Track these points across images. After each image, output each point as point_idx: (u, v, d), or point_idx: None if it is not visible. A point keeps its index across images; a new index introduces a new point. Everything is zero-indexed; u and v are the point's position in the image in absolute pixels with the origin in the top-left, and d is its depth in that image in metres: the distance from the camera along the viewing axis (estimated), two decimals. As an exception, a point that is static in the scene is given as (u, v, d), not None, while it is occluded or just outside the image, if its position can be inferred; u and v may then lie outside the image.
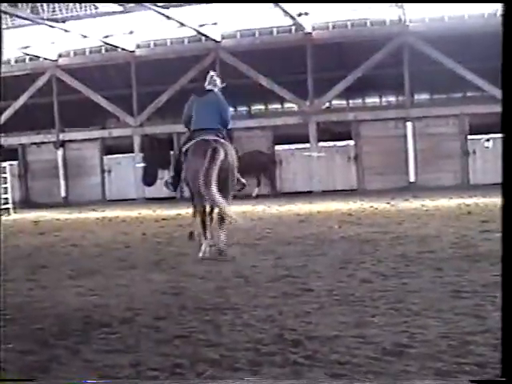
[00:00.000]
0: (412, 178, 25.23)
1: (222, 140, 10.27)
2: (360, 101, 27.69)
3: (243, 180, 11.13)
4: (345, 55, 25.97)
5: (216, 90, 10.94)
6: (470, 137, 25.13)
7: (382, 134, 24.94)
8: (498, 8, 24.04)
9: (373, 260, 9.32)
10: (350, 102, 27.67)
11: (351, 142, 25.32)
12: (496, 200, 18.37)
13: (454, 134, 25.21)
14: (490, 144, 24.19)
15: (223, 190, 9.72)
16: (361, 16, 25.58)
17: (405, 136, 25.13)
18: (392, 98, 27.53)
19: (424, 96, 27.32)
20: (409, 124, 25.31)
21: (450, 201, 18.98)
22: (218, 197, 9.48)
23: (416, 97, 26.90)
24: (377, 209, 17.85)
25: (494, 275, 7.91)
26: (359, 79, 25.54)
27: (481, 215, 14.80)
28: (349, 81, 25.65)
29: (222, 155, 9.76)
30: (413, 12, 24.73)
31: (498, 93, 24.72)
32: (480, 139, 24.86)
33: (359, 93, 27.29)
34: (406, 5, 23.61)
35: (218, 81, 11.10)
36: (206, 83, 11.00)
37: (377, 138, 25.28)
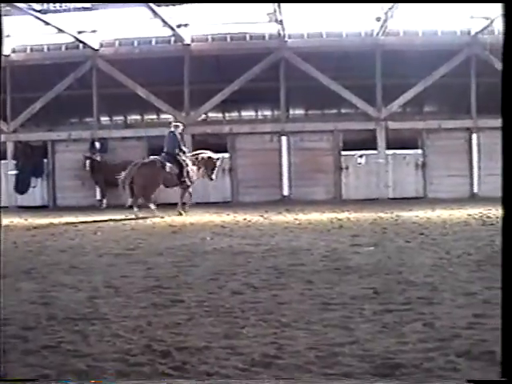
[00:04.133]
0: (286, 192, 25.51)
1: None
2: (236, 114, 27.82)
3: None
4: (223, 68, 26.06)
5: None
6: (343, 152, 25.60)
7: (258, 148, 25.11)
8: (374, 28, 24.66)
9: (244, 272, 9.36)
10: (227, 114, 27.78)
11: (226, 155, 25.39)
12: (367, 215, 18.80)
13: (328, 149, 25.64)
14: (363, 160, 24.76)
15: None
16: (241, 30, 25.74)
17: (280, 150, 25.38)
18: (268, 112, 27.79)
19: (300, 111, 27.70)
20: (284, 138, 25.59)
21: (322, 215, 19.23)
22: None
23: (292, 111, 27.24)
24: (250, 221, 17.92)
25: (363, 288, 8.09)
26: (236, 92, 25.67)
27: (352, 229, 15.09)
28: (225, 93, 25.74)
29: None
30: (292, 28, 25.04)
31: (371, 110, 25.37)
32: (353, 155, 25.36)
33: (236, 106, 27.44)
34: (285, 20, 23.87)
35: None
36: None
37: (252, 151, 25.43)
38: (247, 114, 27.50)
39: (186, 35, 25.50)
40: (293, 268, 9.64)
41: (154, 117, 27.92)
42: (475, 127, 25.46)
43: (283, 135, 25.62)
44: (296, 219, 18.10)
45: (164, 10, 22.53)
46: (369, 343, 5.72)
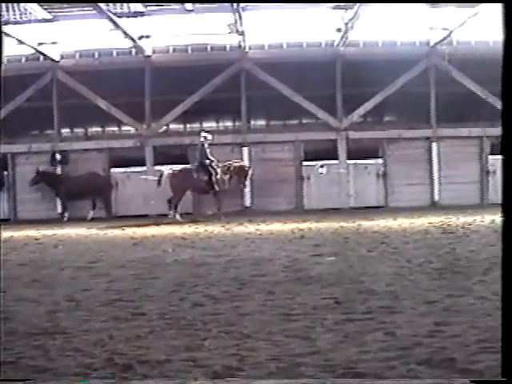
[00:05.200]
0: (248, 203, 25.52)
1: None
2: (198, 125, 27.75)
3: None
4: (184, 79, 25.99)
5: None
6: (304, 163, 25.68)
7: (219, 159, 25.12)
8: (334, 39, 24.81)
9: (206, 283, 9.33)
10: (188, 126, 27.70)
11: (188, 166, 25.34)
12: (328, 224, 18.87)
13: (289, 159, 25.71)
14: (324, 170, 24.84)
15: None
16: (202, 41, 25.74)
17: (241, 161, 25.38)
18: (229, 123, 27.78)
19: (261, 122, 27.72)
20: (245, 149, 25.62)
21: (284, 225, 19.26)
22: None
23: (253, 122, 27.24)
24: (212, 232, 17.89)
25: (325, 298, 8.10)
26: (197, 103, 25.67)
27: (313, 239, 15.12)
28: (187, 105, 25.72)
29: None
30: (252, 39, 25.11)
31: (332, 120, 25.50)
32: (314, 165, 25.44)
33: (197, 117, 27.38)
34: (246, 31, 23.93)
35: None
36: None
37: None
38: (208, 125, 27.43)
39: (147, 47, 25.47)
40: (254, 279, 9.63)
41: (116, 129, 27.76)
42: (435, 136, 25.70)
43: (245, 146, 25.65)
44: (258, 230, 18.10)
45: (125, 22, 22.50)
46: (330, 353, 5.72)
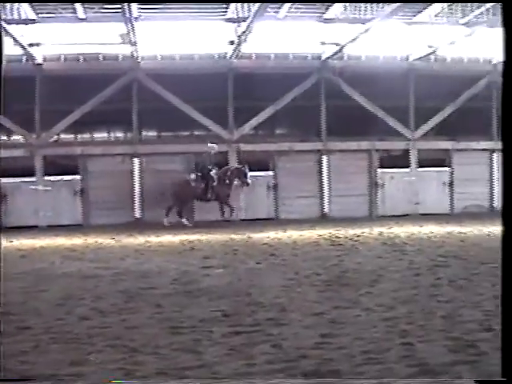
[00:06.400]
0: (138, 214, 25.30)
1: None
2: (88, 135, 27.35)
3: None
4: (75, 88, 25.59)
5: None
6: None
7: (110, 169, 24.78)
8: (227, 51, 24.91)
9: (93, 296, 9.25)
10: (79, 136, 27.27)
11: (78, 177, 24.97)
12: (218, 236, 18.91)
13: (180, 171, 25.59)
14: (215, 182, 24.65)
15: None
16: (94, 50, 25.42)
17: (132, 172, 25.17)
18: (121, 134, 27.48)
19: (152, 133, 27.52)
20: (136, 160, 25.42)
21: (174, 237, 19.17)
22: None
23: (144, 133, 27.02)
24: (101, 244, 17.69)
25: (213, 310, 8.13)
26: (88, 113, 25.30)
27: (203, 251, 15.14)
28: (77, 114, 25.33)
29: None
30: (145, 49, 24.96)
31: (223, 132, 25.58)
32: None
33: (88, 127, 26.98)
34: (139, 42, 23.76)
35: None
36: None
37: (104, 173, 25.08)
38: (100, 135, 27.09)
39: (38, 54, 25.01)
40: (143, 291, 9.60)
41: (5, 138, 27.11)
42: (325, 149, 26.08)
43: (136, 157, 25.45)
44: (148, 242, 17.99)
45: (15, 29, 22.07)
46: (217, 366, 5.76)
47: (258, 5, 18.82)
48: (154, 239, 18.68)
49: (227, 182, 23.68)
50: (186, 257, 14.20)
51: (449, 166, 27.35)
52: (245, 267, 12.28)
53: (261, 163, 25.49)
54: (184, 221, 23.15)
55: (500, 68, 26.60)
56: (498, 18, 21.30)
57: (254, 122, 25.96)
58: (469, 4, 21.74)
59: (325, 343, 6.53)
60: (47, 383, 4.94)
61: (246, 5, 21.37)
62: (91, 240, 18.79)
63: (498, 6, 18.94)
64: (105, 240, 18.68)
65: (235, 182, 23.89)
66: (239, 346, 6.41)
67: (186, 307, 8.39)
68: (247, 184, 23.76)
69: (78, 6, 21.25)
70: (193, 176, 23.81)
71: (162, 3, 21.93)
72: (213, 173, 23.56)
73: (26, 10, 22.14)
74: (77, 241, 18.96)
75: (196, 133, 26.85)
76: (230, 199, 23.93)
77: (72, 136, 26.52)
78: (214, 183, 23.44)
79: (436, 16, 22.84)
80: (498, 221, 21.82)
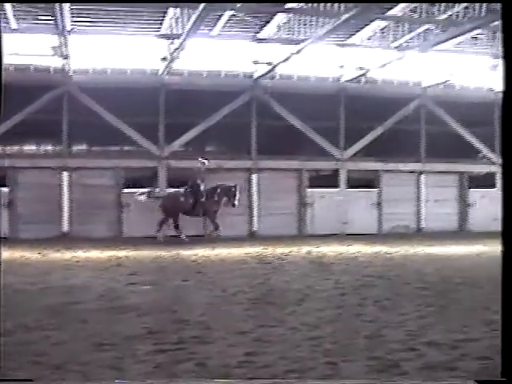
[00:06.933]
0: (66, 228, 25.03)
1: None
2: (17, 147, 26.96)
3: None
4: (4, 99, 25.23)
5: None
6: (125, 190, 25.44)
7: (38, 182, 24.51)
8: (159, 67, 24.88)
9: (17, 312, 9.10)
10: (7, 147, 26.86)
11: (5, 189, 24.60)
12: (146, 253, 18.82)
13: (109, 186, 25.45)
14: (143, 198, 24.44)
15: None
16: (24, 61, 25.07)
17: (61, 185, 24.91)
18: (50, 147, 27.14)
19: (82, 147, 27.27)
20: (65, 173, 25.17)
21: (102, 252, 19.00)
22: None
23: (74, 147, 26.75)
24: (28, 258, 17.45)
25: (137, 327, 8.10)
26: (18, 125, 24.86)
27: (130, 268, 15.06)
28: (7, 126, 24.91)
29: None
30: (77, 63, 24.77)
31: (153, 148, 25.51)
32: (135, 192, 25.02)
33: (17, 139, 26.60)
34: (71, 55, 23.58)
35: None
36: None
37: (32, 186, 24.74)
38: (29, 147, 26.73)
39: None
40: (67, 307, 9.51)
41: None
42: (255, 168, 26.24)
43: (65, 171, 25.20)
44: (75, 257, 17.79)
45: None
46: (140, 384, 5.75)
47: (191, 22, 18.85)
48: (81, 254, 18.49)
49: (216, 198, 23.75)
50: (112, 273, 14.11)
51: (377, 187, 27.77)
52: (171, 284, 12.27)
53: (189, 180, 25.44)
54: (182, 235, 23.14)
55: (429, 92, 27.15)
56: (429, 43, 21.85)
57: (185, 138, 25.97)
58: (400, 28, 22.13)
59: (249, 362, 6.57)
60: (47, 383, 4.87)
61: (180, 21, 21.39)
62: (17, 254, 18.48)
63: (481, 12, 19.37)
64: (31, 254, 18.40)
65: (223, 201, 23.93)
66: (163, 364, 6.41)
67: (111, 324, 8.35)
68: (233, 205, 23.81)
69: (10, 16, 20.96)
70: (182, 191, 23.83)
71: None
72: (201, 188, 23.66)
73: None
74: (2, 254, 18.63)
75: (126, 148, 26.71)
76: (215, 217, 23.91)
77: (0, 148, 26.07)
78: (203, 199, 23.53)
79: (368, 39, 23.19)
80: (424, 241, 22.15)
